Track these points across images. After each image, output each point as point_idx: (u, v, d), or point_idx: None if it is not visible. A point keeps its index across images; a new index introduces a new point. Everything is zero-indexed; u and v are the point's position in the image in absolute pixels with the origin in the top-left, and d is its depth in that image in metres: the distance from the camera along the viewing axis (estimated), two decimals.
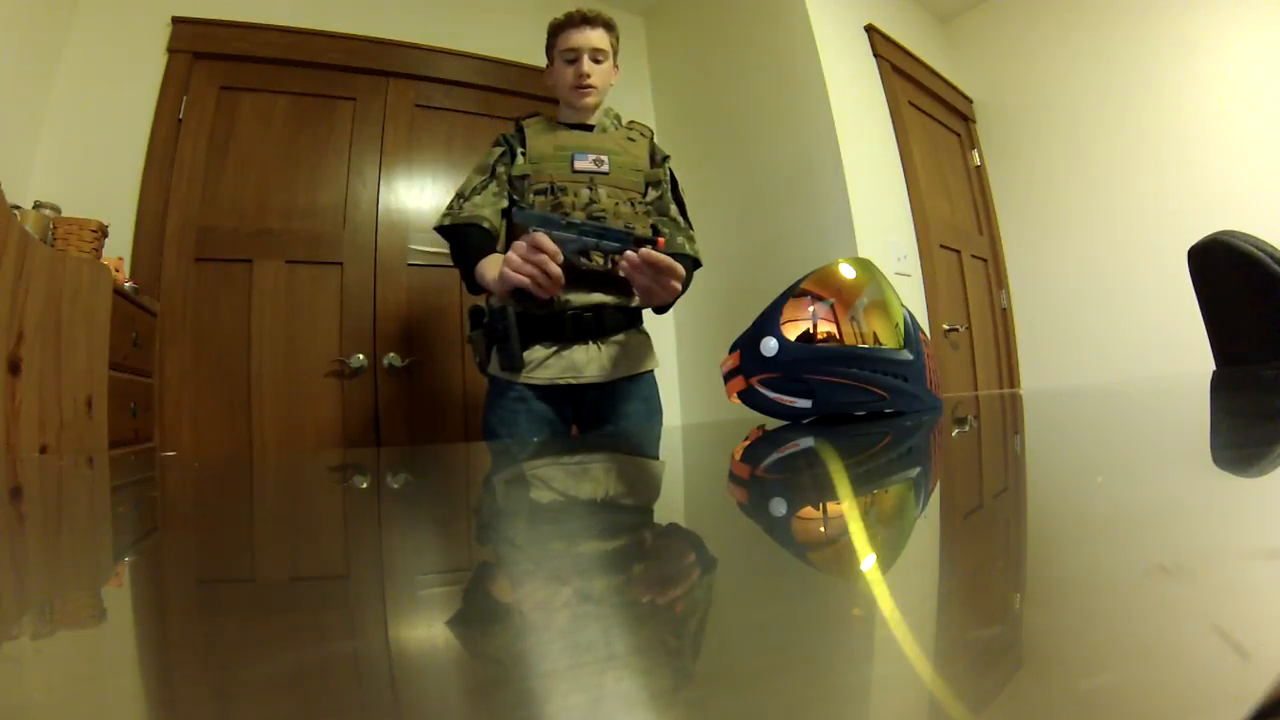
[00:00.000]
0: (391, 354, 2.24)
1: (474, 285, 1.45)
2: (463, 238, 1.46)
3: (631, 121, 1.64)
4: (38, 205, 1.57)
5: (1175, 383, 0.99)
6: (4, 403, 1.16)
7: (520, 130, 1.54)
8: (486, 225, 1.44)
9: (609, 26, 1.55)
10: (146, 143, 2.02)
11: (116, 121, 2.00)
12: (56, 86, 1.93)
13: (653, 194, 1.56)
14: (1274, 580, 0.14)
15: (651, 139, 1.62)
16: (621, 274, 1.33)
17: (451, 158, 2.46)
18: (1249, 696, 0.08)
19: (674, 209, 1.60)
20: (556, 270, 1.25)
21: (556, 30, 1.54)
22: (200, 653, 0.14)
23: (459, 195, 1.49)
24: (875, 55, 2.54)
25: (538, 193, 1.45)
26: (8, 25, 1.72)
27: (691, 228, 1.62)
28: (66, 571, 0.23)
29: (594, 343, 1.47)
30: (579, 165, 1.48)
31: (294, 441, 2.08)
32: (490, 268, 1.37)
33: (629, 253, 1.27)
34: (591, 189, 1.46)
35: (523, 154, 1.49)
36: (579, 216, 1.41)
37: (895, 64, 2.61)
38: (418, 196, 2.38)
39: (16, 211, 1.38)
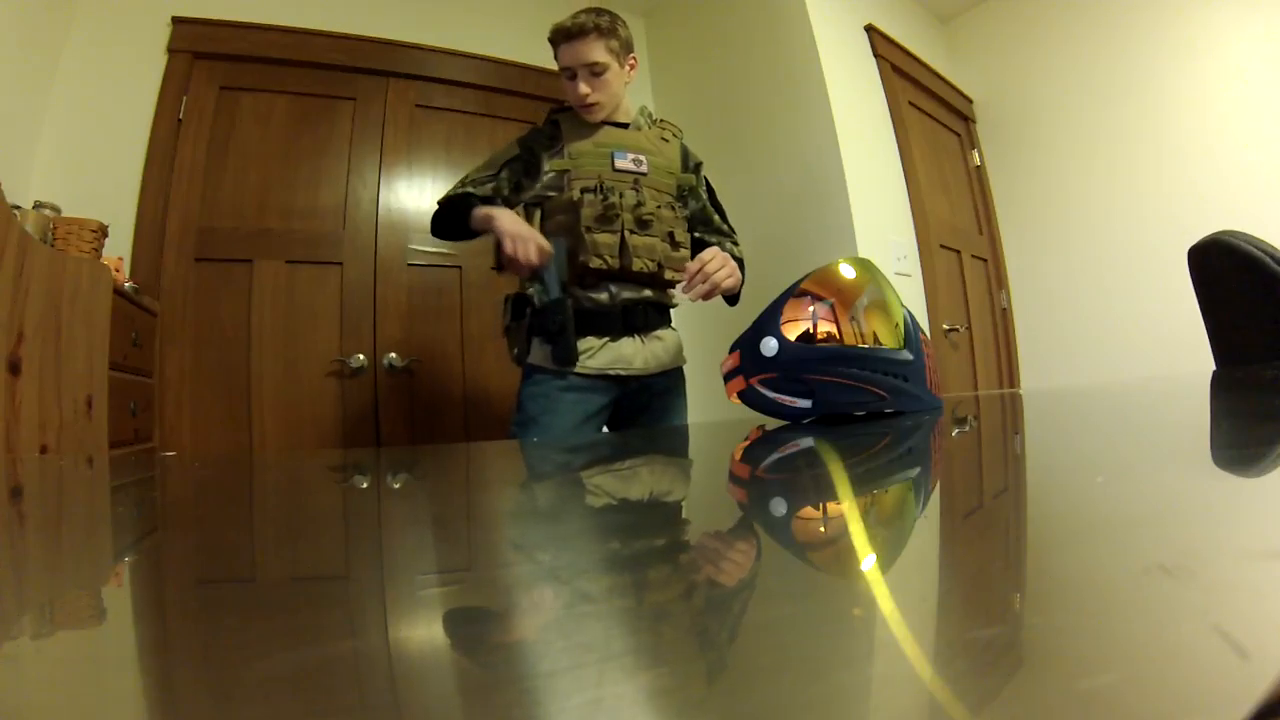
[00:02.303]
0: (391, 354, 2.24)
1: (442, 229, 1.51)
2: (454, 204, 1.49)
3: (662, 120, 1.62)
4: (38, 205, 1.57)
5: (1175, 383, 0.99)
6: (4, 403, 1.16)
7: (555, 124, 1.53)
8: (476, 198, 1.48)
9: (602, 31, 1.46)
10: (146, 143, 2.02)
11: (116, 121, 2.00)
12: (56, 86, 1.93)
13: (693, 205, 1.60)
14: (1274, 580, 0.14)
15: (682, 140, 1.63)
16: (689, 294, 1.42)
17: (451, 158, 2.46)
18: (1249, 696, 0.08)
19: (716, 218, 1.64)
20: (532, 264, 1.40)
21: (551, 42, 1.52)
22: (200, 653, 0.14)
23: (462, 180, 1.52)
24: (875, 55, 2.54)
25: (585, 190, 1.45)
26: (8, 25, 1.72)
27: (735, 232, 1.68)
28: (66, 571, 0.23)
29: (639, 336, 1.51)
30: (619, 164, 1.48)
31: (294, 441, 2.08)
32: (487, 215, 1.43)
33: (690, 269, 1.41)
34: (637, 190, 1.47)
35: (559, 148, 1.49)
36: (628, 219, 1.45)
37: (895, 64, 2.61)
38: (418, 196, 2.38)
39: (16, 211, 1.38)
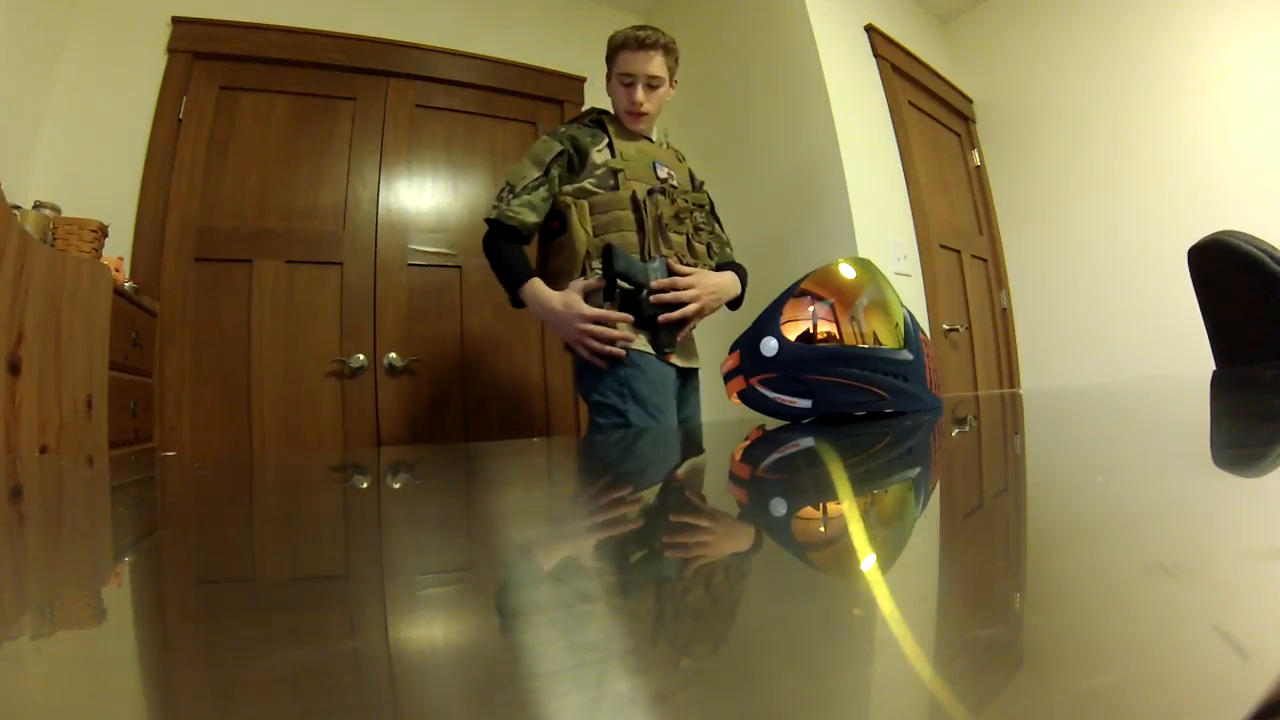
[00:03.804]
0: (391, 354, 2.24)
1: (517, 301, 1.53)
2: (507, 246, 1.51)
3: (670, 143, 1.72)
4: (38, 205, 1.57)
5: (1175, 383, 0.99)
6: (4, 403, 1.16)
7: (600, 123, 1.59)
8: (525, 234, 1.51)
9: (668, 49, 1.58)
10: (146, 143, 2.02)
11: (116, 121, 2.00)
12: (56, 86, 1.93)
13: (699, 216, 1.67)
14: (1274, 580, 0.14)
15: (686, 163, 1.73)
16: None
17: (451, 158, 2.46)
18: (1249, 696, 0.08)
19: (717, 227, 1.73)
20: (619, 343, 1.43)
21: (616, 48, 1.58)
22: (200, 652, 0.14)
23: (510, 187, 1.51)
24: (875, 55, 2.54)
25: (653, 191, 1.52)
26: (8, 25, 1.72)
27: (729, 243, 1.77)
28: (66, 571, 0.23)
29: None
30: (659, 174, 1.57)
31: (294, 441, 2.08)
32: (534, 294, 1.47)
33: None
34: (675, 199, 1.56)
35: (607, 145, 1.55)
36: (688, 224, 1.55)
37: (895, 64, 2.61)
38: (418, 196, 2.38)
39: (16, 211, 1.38)
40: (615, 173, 1.51)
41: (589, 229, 1.48)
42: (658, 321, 1.47)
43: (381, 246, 2.29)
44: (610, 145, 1.55)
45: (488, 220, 1.52)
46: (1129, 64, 2.60)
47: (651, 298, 1.46)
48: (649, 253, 1.48)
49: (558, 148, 1.51)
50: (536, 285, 1.48)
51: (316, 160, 2.25)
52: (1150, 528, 0.20)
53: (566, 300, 1.43)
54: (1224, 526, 0.19)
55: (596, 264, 1.46)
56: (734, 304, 1.63)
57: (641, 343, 1.48)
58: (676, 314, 1.47)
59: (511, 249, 1.50)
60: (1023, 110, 2.94)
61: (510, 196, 1.49)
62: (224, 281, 2.08)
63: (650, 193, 1.51)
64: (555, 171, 1.50)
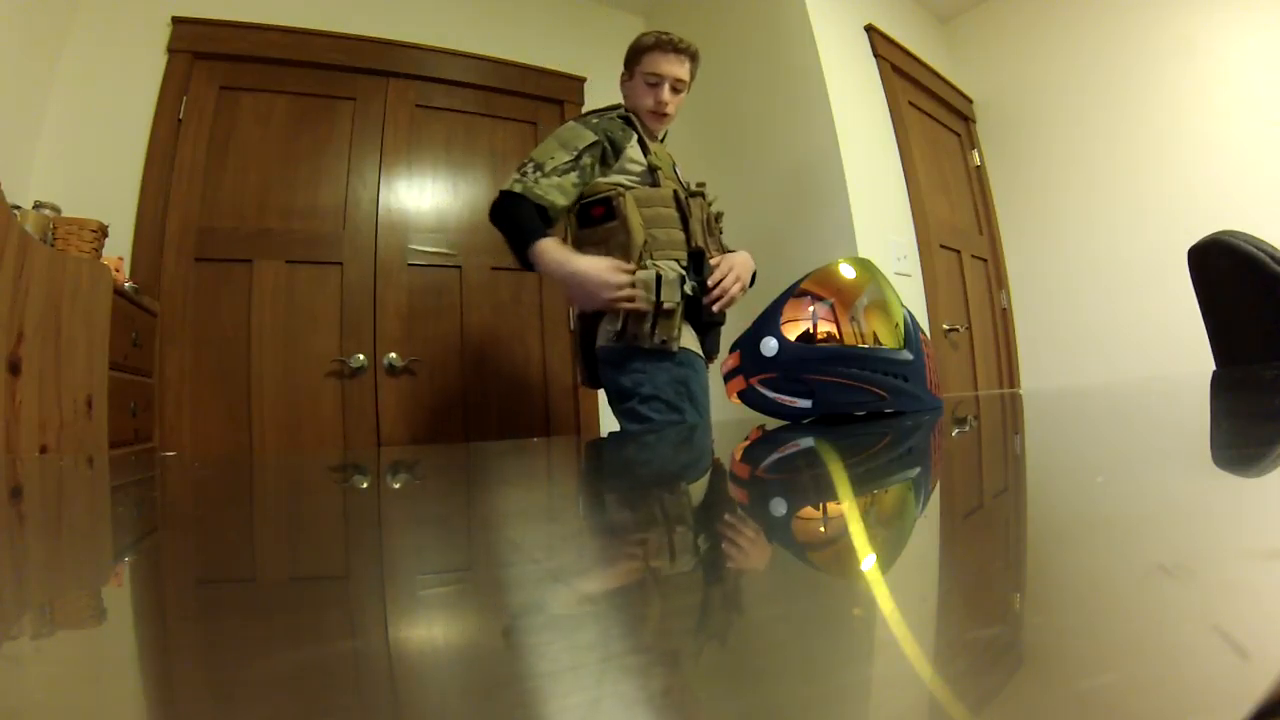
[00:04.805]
0: (391, 354, 2.24)
1: (526, 260, 1.46)
2: (522, 211, 1.44)
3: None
4: (38, 205, 1.57)
5: (1175, 383, 0.99)
6: (4, 403, 1.16)
7: (629, 120, 1.59)
8: (552, 215, 1.46)
9: (694, 58, 1.61)
10: (146, 143, 2.02)
11: (116, 121, 2.00)
12: (56, 86, 1.93)
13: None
14: (1274, 580, 0.14)
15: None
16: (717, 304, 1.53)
17: (451, 158, 2.46)
18: (1249, 696, 0.08)
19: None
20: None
21: (645, 49, 1.59)
22: (200, 652, 0.14)
23: (537, 166, 1.45)
24: (875, 55, 2.54)
25: (692, 194, 1.55)
26: (8, 25, 1.72)
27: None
28: (66, 571, 0.23)
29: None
30: (679, 176, 1.61)
31: (294, 442, 2.08)
32: (553, 253, 1.42)
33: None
34: (711, 202, 1.60)
35: (638, 141, 1.56)
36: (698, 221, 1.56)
37: (895, 64, 2.61)
38: (418, 196, 2.38)
39: (16, 211, 1.38)
40: (654, 170, 1.52)
41: (641, 221, 1.47)
42: (707, 325, 1.52)
43: (381, 246, 2.29)
44: (641, 142, 1.55)
45: (506, 192, 1.45)
46: (1129, 64, 2.60)
47: (715, 305, 1.51)
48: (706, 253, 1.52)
49: (591, 137, 1.47)
50: (553, 243, 1.42)
51: (316, 160, 2.25)
52: (1150, 528, 0.20)
53: (594, 260, 1.41)
54: (1224, 526, 0.19)
55: (674, 258, 1.47)
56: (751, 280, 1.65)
57: (698, 347, 1.52)
58: (726, 299, 1.51)
59: (526, 212, 1.43)
60: (1023, 110, 2.94)
61: (538, 174, 1.43)
62: (224, 281, 2.08)
63: (691, 195, 1.54)
64: (587, 160, 1.46)
